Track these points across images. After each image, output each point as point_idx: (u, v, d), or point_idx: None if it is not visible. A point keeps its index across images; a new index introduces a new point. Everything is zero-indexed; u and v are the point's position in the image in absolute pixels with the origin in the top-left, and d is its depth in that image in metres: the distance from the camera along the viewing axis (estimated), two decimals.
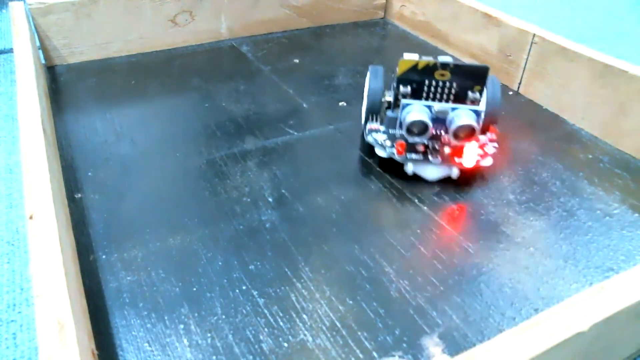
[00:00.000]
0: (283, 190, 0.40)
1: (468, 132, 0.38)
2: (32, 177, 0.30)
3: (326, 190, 0.40)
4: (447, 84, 0.39)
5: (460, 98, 0.39)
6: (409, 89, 0.39)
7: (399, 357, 0.28)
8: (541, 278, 0.34)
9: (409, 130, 0.39)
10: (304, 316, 0.30)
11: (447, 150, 0.40)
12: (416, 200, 0.40)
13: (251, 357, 0.28)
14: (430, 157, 0.40)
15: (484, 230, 0.37)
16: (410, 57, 0.39)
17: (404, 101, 0.39)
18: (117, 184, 0.40)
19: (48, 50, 0.56)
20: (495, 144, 0.41)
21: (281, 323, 0.30)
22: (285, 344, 0.29)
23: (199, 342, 0.29)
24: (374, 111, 0.42)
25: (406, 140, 0.40)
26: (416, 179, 0.42)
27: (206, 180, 0.41)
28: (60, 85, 0.53)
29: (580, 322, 0.23)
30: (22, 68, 0.42)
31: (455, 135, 0.39)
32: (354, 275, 0.33)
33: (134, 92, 0.52)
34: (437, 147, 0.40)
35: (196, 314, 0.30)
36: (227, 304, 0.31)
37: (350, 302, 0.31)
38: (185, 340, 0.29)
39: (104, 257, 0.33)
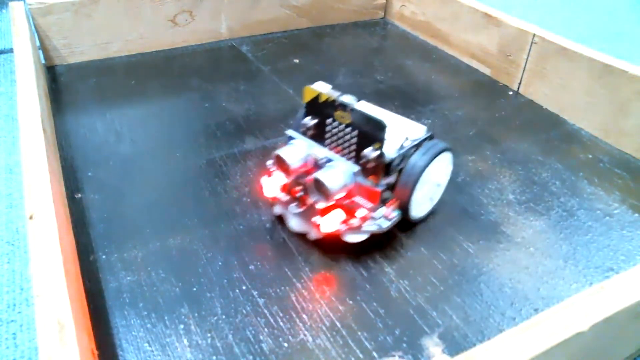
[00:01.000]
0: None
1: (323, 191, 0.32)
2: (32, 177, 0.30)
3: None
4: (349, 129, 0.33)
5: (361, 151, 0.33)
6: (311, 122, 0.34)
7: (399, 357, 0.28)
8: (541, 278, 0.34)
9: (277, 164, 0.34)
10: (304, 316, 0.30)
11: (314, 204, 0.33)
12: None
13: (251, 357, 0.28)
14: (292, 204, 0.34)
15: (484, 230, 0.37)
16: (318, 87, 0.34)
17: (288, 132, 0.35)
18: (117, 184, 0.40)
19: (48, 50, 0.56)
20: (389, 221, 0.33)
21: (281, 323, 0.30)
22: (285, 344, 0.29)
23: (199, 342, 0.29)
24: None
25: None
26: None
27: (206, 180, 0.41)
28: (60, 85, 0.53)
29: (580, 322, 0.23)
30: (22, 68, 0.42)
31: (316, 189, 0.32)
32: (354, 275, 0.33)
33: (134, 92, 0.52)
34: (305, 197, 0.34)
35: (196, 314, 0.30)
36: (227, 304, 0.31)
37: (350, 302, 0.31)
38: (185, 340, 0.29)
39: (104, 257, 0.33)
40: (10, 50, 0.63)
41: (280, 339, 0.29)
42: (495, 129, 0.49)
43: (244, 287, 0.32)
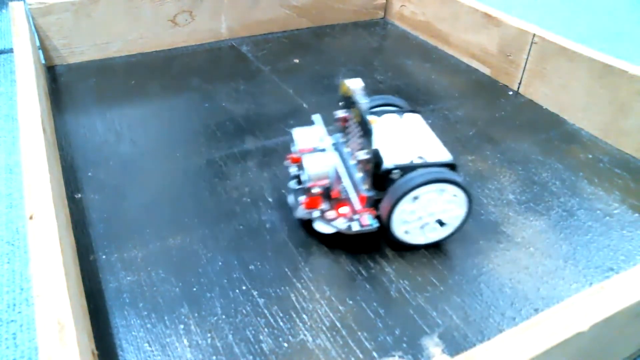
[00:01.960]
0: (283, 190, 0.40)
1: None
2: (32, 177, 0.30)
3: None
4: (358, 128, 0.33)
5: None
6: (339, 114, 0.35)
7: (399, 357, 0.28)
8: (541, 278, 0.34)
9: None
10: (304, 316, 0.30)
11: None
12: None
13: (251, 357, 0.28)
14: (292, 180, 0.35)
15: (484, 230, 0.37)
16: (348, 82, 0.34)
17: (314, 117, 0.36)
18: (117, 184, 0.40)
19: (48, 50, 0.56)
20: (360, 227, 0.33)
21: (281, 323, 0.30)
22: (285, 344, 0.29)
23: (199, 342, 0.29)
24: None
25: None
26: None
27: (206, 180, 0.41)
28: (60, 85, 0.53)
29: (580, 322, 0.23)
30: (22, 68, 0.42)
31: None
32: (354, 275, 0.33)
33: (134, 92, 0.52)
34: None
35: (196, 314, 0.30)
36: (227, 304, 0.31)
37: (350, 302, 0.31)
38: (185, 341, 0.29)
39: (104, 257, 0.33)
40: (10, 50, 0.63)
41: (280, 339, 0.29)
42: (495, 129, 0.49)
43: (244, 287, 0.32)
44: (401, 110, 0.38)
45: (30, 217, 0.28)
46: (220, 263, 0.33)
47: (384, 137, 0.34)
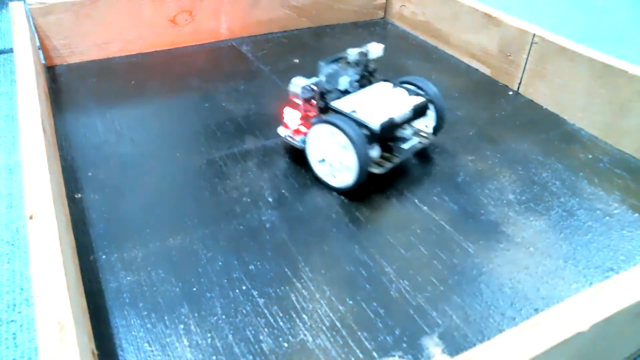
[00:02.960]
0: (283, 190, 0.40)
1: None
2: (32, 177, 0.30)
3: (326, 190, 0.40)
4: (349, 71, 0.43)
5: None
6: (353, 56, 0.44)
7: (399, 357, 0.28)
8: (541, 278, 0.34)
9: None
10: (304, 316, 0.30)
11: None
12: (416, 200, 0.40)
13: (251, 357, 0.28)
14: None
15: (484, 230, 0.37)
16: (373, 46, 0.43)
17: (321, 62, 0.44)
18: (117, 184, 0.40)
19: (48, 50, 0.56)
20: (288, 137, 0.43)
21: (281, 323, 0.30)
22: (285, 344, 0.29)
23: (199, 342, 0.29)
24: None
25: None
26: (417, 178, 0.42)
27: (206, 180, 0.41)
28: (60, 85, 0.53)
29: (580, 322, 0.23)
30: (22, 68, 0.42)
31: None
32: (354, 275, 0.33)
33: (134, 92, 0.52)
34: None
35: (196, 314, 0.30)
36: (227, 304, 0.31)
37: (350, 302, 0.31)
38: (185, 340, 0.29)
39: (104, 257, 0.33)
40: (10, 50, 0.63)
41: (280, 339, 0.29)
42: (495, 129, 0.49)
43: (244, 287, 0.32)
44: (399, 84, 0.44)
45: (30, 217, 0.28)
46: (220, 263, 0.33)
47: (363, 92, 0.42)
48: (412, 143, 0.42)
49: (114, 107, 0.49)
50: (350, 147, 0.37)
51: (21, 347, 0.30)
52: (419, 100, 0.41)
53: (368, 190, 0.40)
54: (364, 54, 0.42)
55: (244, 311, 0.30)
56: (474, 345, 0.29)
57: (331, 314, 0.30)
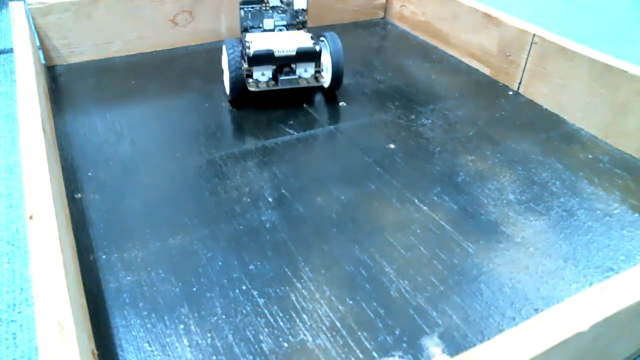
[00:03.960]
0: (283, 190, 0.40)
1: None
2: (32, 177, 0.30)
3: (326, 190, 0.40)
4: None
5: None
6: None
7: (399, 357, 0.28)
8: (541, 278, 0.34)
9: None
10: (304, 316, 0.30)
11: None
12: (416, 200, 0.40)
13: (251, 357, 0.28)
14: None
15: (484, 230, 0.37)
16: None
17: None
18: (117, 184, 0.40)
19: (48, 50, 0.56)
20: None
21: (281, 323, 0.30)
22: (285, 344, 0.29)
23: (199, 342, 0.29)
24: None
25: None
26: (417, 178, 0.42)
27: (206, 180, 0.41)
28: (60, 85, 0.53)
29: (580, 322, 0.23)
30: (22, 68, 0.42)
31: None
32: (354, 275, 0.33)
33: (134, 92, 0.52)
34: None
35: (196, 314, 0.30)
36: (227, 304, 0.31)
37: (350, 302, 0.31)
38: (185, 340, 0.29)
39: (104, 257, 0.33)
40: (10, 50, 0.63)
41: (280, 339, 0.29)
42: (495, 129, 0.49)
43: (244, 287, 0.32)
44: (317, 38, 0.51)
45: (30, 217, 0.28)
46: (220, 263, 0.33)
47: (276, 33, 0.51)
48: (292, 77, 0.49)
49: (114, 107, 0.49)
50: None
51: (21, 347, 0.30)
52: (307, 45, 0.49)
53: (368, 190, 0.40)
54: (285, 2, 0.51)
55: (244, 311, 0.30)
56: (474, 345, 0.29)
57: (331, 314, 0.30)
